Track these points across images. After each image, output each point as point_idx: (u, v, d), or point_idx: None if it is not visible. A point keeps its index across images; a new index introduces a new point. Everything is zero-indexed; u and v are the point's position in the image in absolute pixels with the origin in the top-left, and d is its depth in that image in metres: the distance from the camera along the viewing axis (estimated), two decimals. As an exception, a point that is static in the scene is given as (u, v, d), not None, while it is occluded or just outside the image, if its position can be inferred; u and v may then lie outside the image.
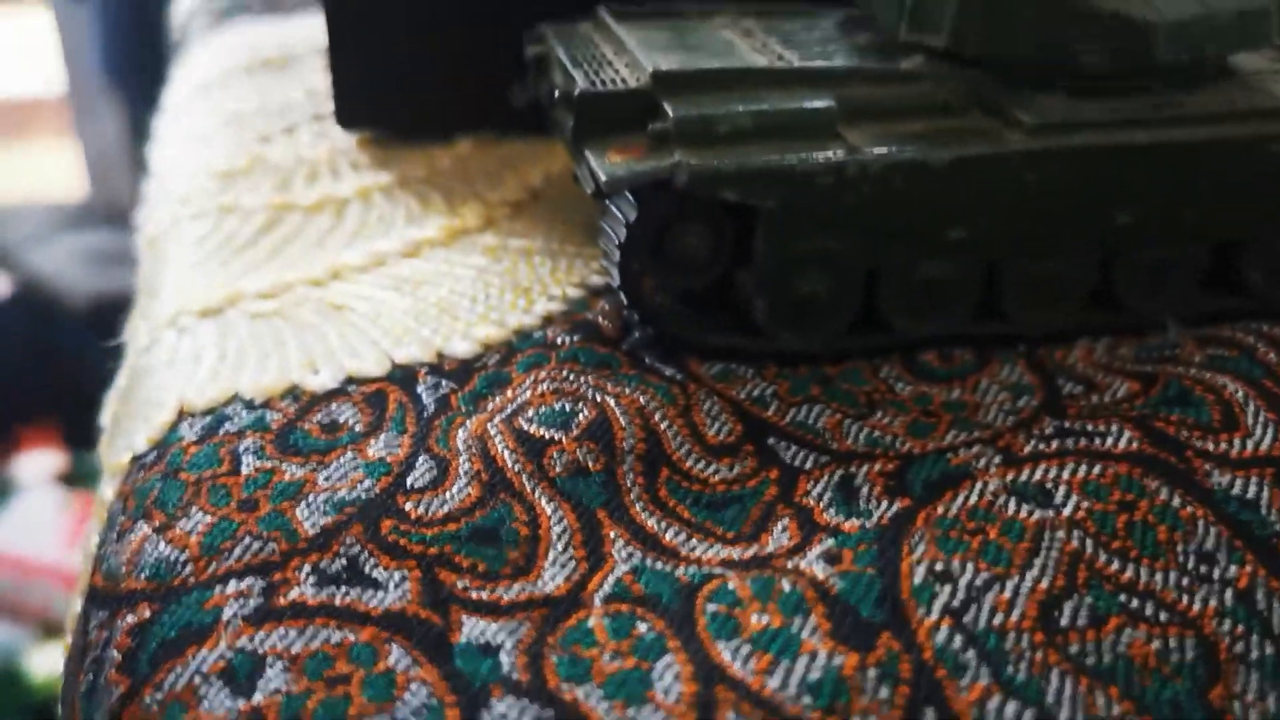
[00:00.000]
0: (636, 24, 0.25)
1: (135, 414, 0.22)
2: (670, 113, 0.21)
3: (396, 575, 0.17)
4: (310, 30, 0.39)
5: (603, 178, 0.21)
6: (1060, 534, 0.17)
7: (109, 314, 1.36)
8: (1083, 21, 0.22)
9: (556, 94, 0.23)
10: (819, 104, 0.21)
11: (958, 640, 0.16)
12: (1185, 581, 0.17)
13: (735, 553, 0.18)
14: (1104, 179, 0.22)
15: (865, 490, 0.19)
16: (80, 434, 1.76)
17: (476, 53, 0.30)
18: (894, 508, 0.18)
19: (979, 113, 0.22)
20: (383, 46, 0.30)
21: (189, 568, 0.17)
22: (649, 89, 0.22)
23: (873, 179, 0.21)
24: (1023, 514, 0.18)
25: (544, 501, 0.19)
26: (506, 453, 0.20)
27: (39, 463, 1.62)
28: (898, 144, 0.21)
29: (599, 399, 0.21)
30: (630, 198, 0.21)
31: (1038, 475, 0.19)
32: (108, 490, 0.21)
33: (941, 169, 0.21)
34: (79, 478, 1.65)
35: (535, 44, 0.26)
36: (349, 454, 0.20)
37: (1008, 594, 0.16)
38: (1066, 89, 0.22)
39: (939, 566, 0.17)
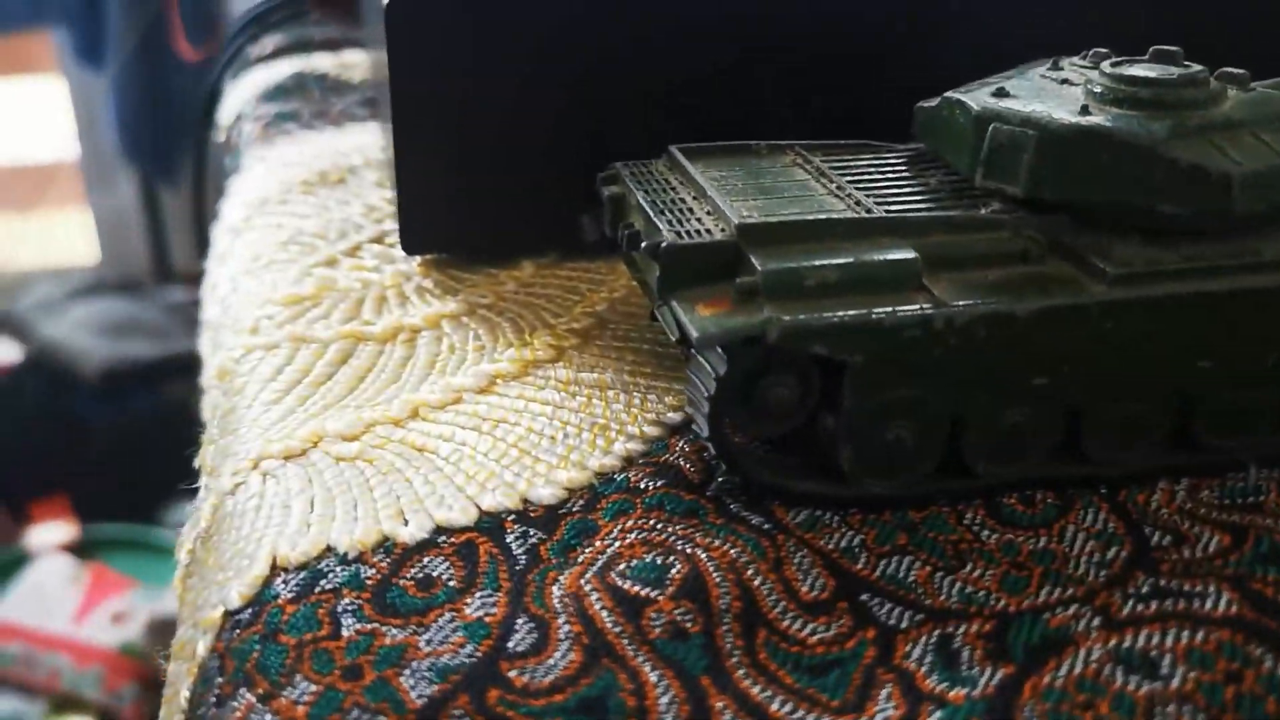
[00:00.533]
0: (709, 163, 0.26)
1: (225, 564, 0.22)
2: (758, 267, 0.21)
3: (507, 751, 0.17)
4: (363, 143, 0.40)
5: (695, 334, 0.21)
6: (1171, 708, 0.17)
7: (120, 382, 1.37)
8: (1161, 173, 0.22)
9: (640, 241, 0.24)
10: (903, 256, 0.22)
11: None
12: (1299, 756, 0.17)
13: (843, 723, 0.18)
14: (1184, 326, 0.22)
15: (966, 654, 0.19)
16: (91, 505, 1.76)
17: (541, 177, 0.31)
18: (998, 675, 0.18)
19: (1058, 259, 0.23)
20: (448, 174, 0.30)
21: (299, 743, 0.17)
22: (734, 241, 0.22)
23: (958, 331, 0.21)
24: (1131, 686, 0.18)
25: (648, 669, 0.19)
26: (604, 613, 0.20)
27: (50, 534, 1.61)
28: (981, 295, 0.22)
29: (689, 551, 0.21)
30: (720, 351, 0.21)
31: (1140, 642, 0.19)
32: (199, 643, 0.21)
33: (1026, 320, 0.21)
34: (90, 548, 1.64)
35: (610, 184, 0.26)
36: (447, 614, 0.20)
37: (1124, 773, 0.16)
38: (1143, 234, 0.23)
39: (1051, 741, 0.17)
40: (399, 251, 0.32)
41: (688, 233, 0.23)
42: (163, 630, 1.48)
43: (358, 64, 0.48)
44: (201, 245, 0.56)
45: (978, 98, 0.24)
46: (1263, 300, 0.22)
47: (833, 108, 0.31)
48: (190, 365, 1.45)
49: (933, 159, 0.26)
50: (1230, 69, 0.24)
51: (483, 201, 0.31)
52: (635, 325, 0.29)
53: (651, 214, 0.24)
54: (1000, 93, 0.24)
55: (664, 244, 0.22)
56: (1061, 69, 0.25)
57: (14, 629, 1.50)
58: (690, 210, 0.24)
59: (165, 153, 2.04)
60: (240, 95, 0.47)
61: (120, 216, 2.38)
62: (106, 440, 1.83)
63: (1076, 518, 0.22)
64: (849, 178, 0.25)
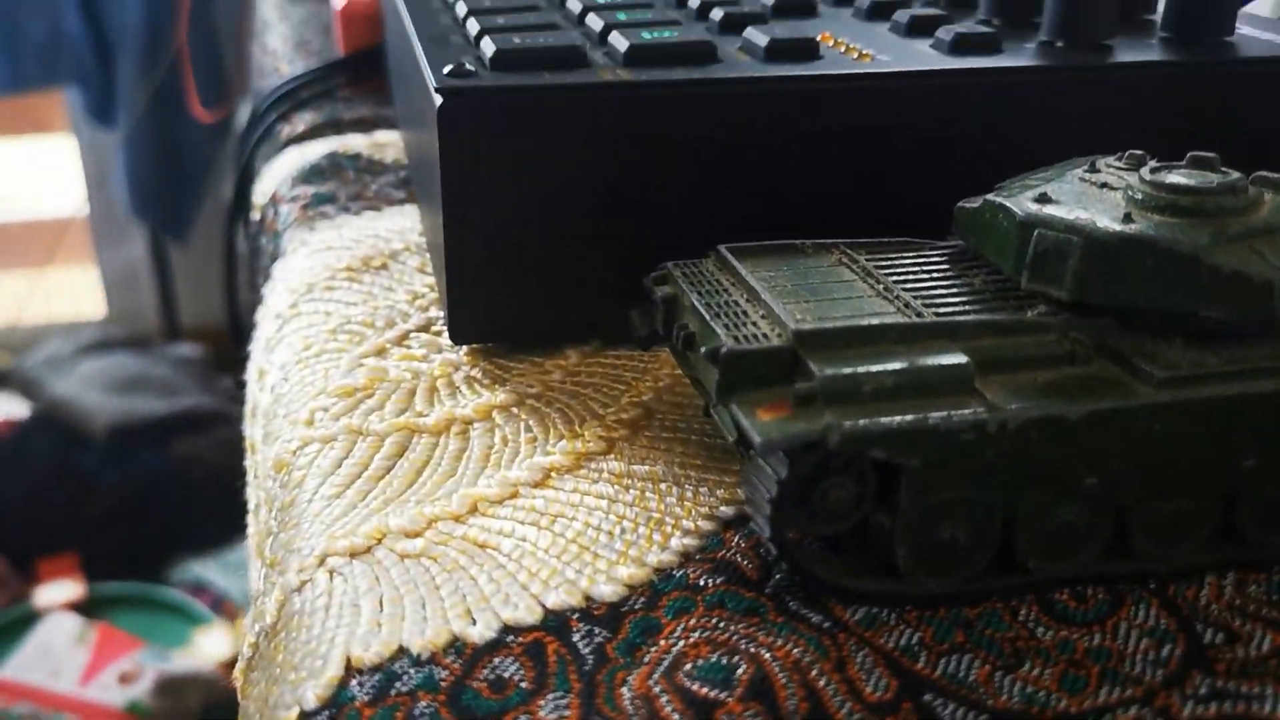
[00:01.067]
0: (757, 263, 0.27)
1: (297, 663, 0.22)
2: (817, 373, 0.22)
3: None
4: (402, 226, 0.40)
5: (759, 439, 0.21)
6: (1238, 814, 0.18)
7: (128, 439, 1.38)
8: (1204, 279, 0.23)
9: (696, 343, 0.24)
10: (955, 360, 0.22)
11: None
12: None
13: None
14: (1229, 427, 0.23)
15: (1032, 756, 0.19)
16: (98, 562, 1.75)
17: (586, 267, 0.31)
18: (1066, 779, 0.19)
19: (1104, 361, 0.23)
20: (495, 266, 0.31)
21: None
22: (791, 346, 0.23)
23: (1011, 434, 0.22)
24: (1198, 791, 0.18)
25: (723, 773, 0.19)
26: (675, 715, 0.20)
27: (57, 592, 1.61)
28: (1033, 399, 0.22)
29: (754, 651, 0.22)
30: (781, 454, 0.22)
31: (1204, 745, 0.19)
32: (272, 744, 0.22)
33: (1076, 423, 0.22)
34: (97, 606, 1.64)
35: (662, 284, 0.27)
36: (522, 717, 0.20)
37: None
38: (1186, 337, 0.23)
39: None
40: (446, 340, 0.33)
41: (745, 337, 0.23)
42: (170, 690, 1.47)
43: (390, 144, 0.49)
44: (235, 327, 0.57)
45: (1021, 203, 0.25)
46: (1304, 400, 0.23)
47: (872, 205, 0.32)
48: (197, 422, 1.45)
49: (974, 257, 0.27)
50: (1266, 174, 0.25)
51: (530, 292, 0.32)
52: (683, 415, 0.29)
53: (707, 316, 0.24)
54: (1043, 198, 0.25)
55: (724, 349, 0.23)
56: (1099, 171, 0.26)
57: (21, 689, 1.49)
58: (745, 313, 0.24)
59: (175, 210, 2.06)
60: (275, 175, 0.48)
61: (129, 272, 2.40)
62: (114, 497, 1.83)
63: (1129, 614, 0.23)
64: (895, 277, 0.26)
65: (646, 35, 0.32)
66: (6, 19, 1.84)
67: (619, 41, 0.32)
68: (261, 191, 0.49)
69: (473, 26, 0.34)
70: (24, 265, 2.45)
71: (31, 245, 2.43)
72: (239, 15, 1.25)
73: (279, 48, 0.69)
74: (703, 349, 0.24)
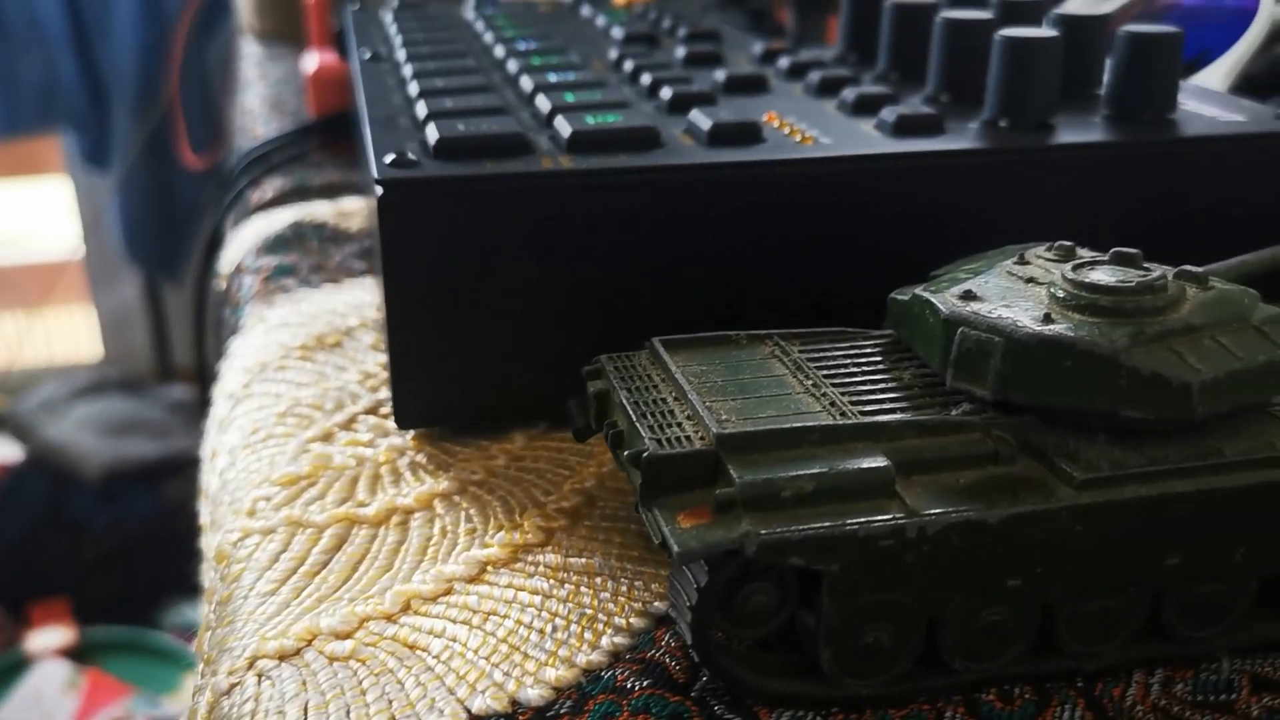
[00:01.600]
0: (690, 356, 0.27)
1: (220, 774, 0.22)
2: (735, 479, 0.22)
3: None
4: (360, 301, 0.41)
5: (676, 549, 0.21)
6: None
7: (120, 483, 1.38)
8: (1123, 381, 0.23)
9: (623, 444, 0.25)
10: (876, 464, 0.23)
11: None
12: None
13: None
14: (1151, 527, 0.23)
15: None
16: (89, 607, 1.75)
17: (531, 351, 0.32)
18: None
19: (1028, 459, 0.24)
20: (441, 351, 0.31)
21: None
22: (714, 450, 0.23)
23: (931, 539, 0.22)
24: None
25: None
26: (590, 831, 0.20)
27: (49, 638, 1.60)
28: (953, 503, 0.22)
29: (674, 760, 0.22)
30: (701, 562, 0.22)
31: None
32: None
33: (997, 526, 0.22)
34: (88, 652, 1.63)
35: (595, 378, 0.27)
36: (436, 834, 0.20)
37: None
38: (1110, 434, 0.23)
39: None
40: (393, 423, 0.33)
41: (669, 440, 0.23)
42: (161, 738, 1.46)
43: (355, 211, 0.49)
44: (204, 400, 0.57)
45: (946, 300, 0.25)
46: (1227, 499, 0.23)
47: (816, 290, 0.32)
48: (189, 465, 1.43)
49: (905, 349, 0.27)
50: (1189, 268, 0.25)
51: (475, 376, 0.32)
52: (624, 503, 0.30)
53: (634, 416, 0.25)
54: (968, 295, 0.25)
55: (646, 454, 0.23)
56: (1028, 264, 0.26)
57: (11, 737, 1.48)
58: (671, 413, 0.25)
59: (168, 252, 2.07)
60: (240, 245, 0.49)
61: (124, 313, 2.41)
62: (106, 541, 1.83)
63: (1054, 714, 0.23)
64: (825, 372, 0.26)
65: (591, 120, 0.32)
66: (3, 64, 1.86)
67: (563, 127, 0.32)
68: (227, 260, 0.50)
69: (420, 109, 0.34)
70: (20, 306, 2.46)
71: (28, 287, 2.44)
72: (227, 64, 1.26)
73: (255, 107, 0.70)
74: (626, 452, 0.24)
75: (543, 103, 0.35)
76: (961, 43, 0.37)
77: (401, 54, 0.42)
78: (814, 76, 0.38)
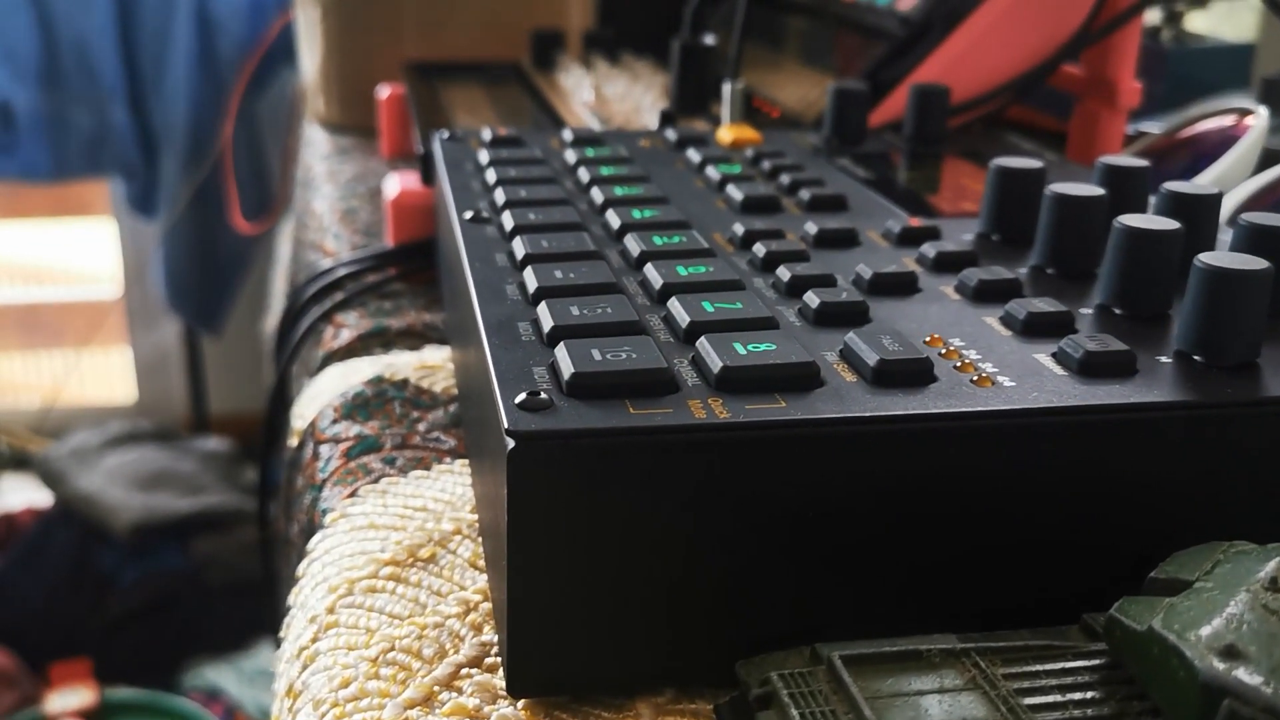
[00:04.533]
0: (876, 683, 0.23)
1: None
2: None
3: None
4: (453, 495, 0.37)
5: None
6: None
7: (149, 538, 1.35)
8: None
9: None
10: None
11: None
12: None
13: None
14: None
15: None
16: (112, 665, 1.72)
17: (666, 615, 0.28)
18: None
19: None
20: (563, 617, 0.27)
21: None
22: None
23: None
24: None
25: None
26: None
27: (68, 699, 1.57)
28: None
29: None
30: None
31: None
32: None
33: None
34: (109, 713, 1.60)
35: (759, 684, 0.23)
36: None
37: None
38: None
39: None
40: (500, 681, 0.29)
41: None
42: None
43: (439, 366, 0.46)
44: (270, 604, 0.53)
45: (1202, 655, 0.21)
46: None
47: (993, 571, 0.28)
48: (219, 521, 1.42)
49: (1129, 682, 0.23)
50: None
51: (599, 643, 0.28)
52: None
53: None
54: (1230, 653, 0.21)
55: None
56: (1283, 592, 0.22)
57: (28, 802, 1.45)
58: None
59: (209, 306, 2.06)
60: (315, 398, 0.45)
61: (161, 358, 2.39)
62: (132, 598, 1.80)
63: None
64: (1040, 707, 0.22)
65: (741, 350, 0.29)
66: (55, 111, 1.85)
67: (711, 358, 0.29)
68: (300, 414, 0.46)
69: (545, 318, 0.31)
70: (60, 345, 2.45)
71: (68, 326, 2.43)
72: (285, 131, 1.24)
73: (323, 213, 0.67)
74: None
75: (679, 312, 0.31)
76: (1146, 256, 0.33)
77: (508, 221, 0.39)
78: (970, 277, 0.35)
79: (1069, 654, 0.24)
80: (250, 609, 1.87)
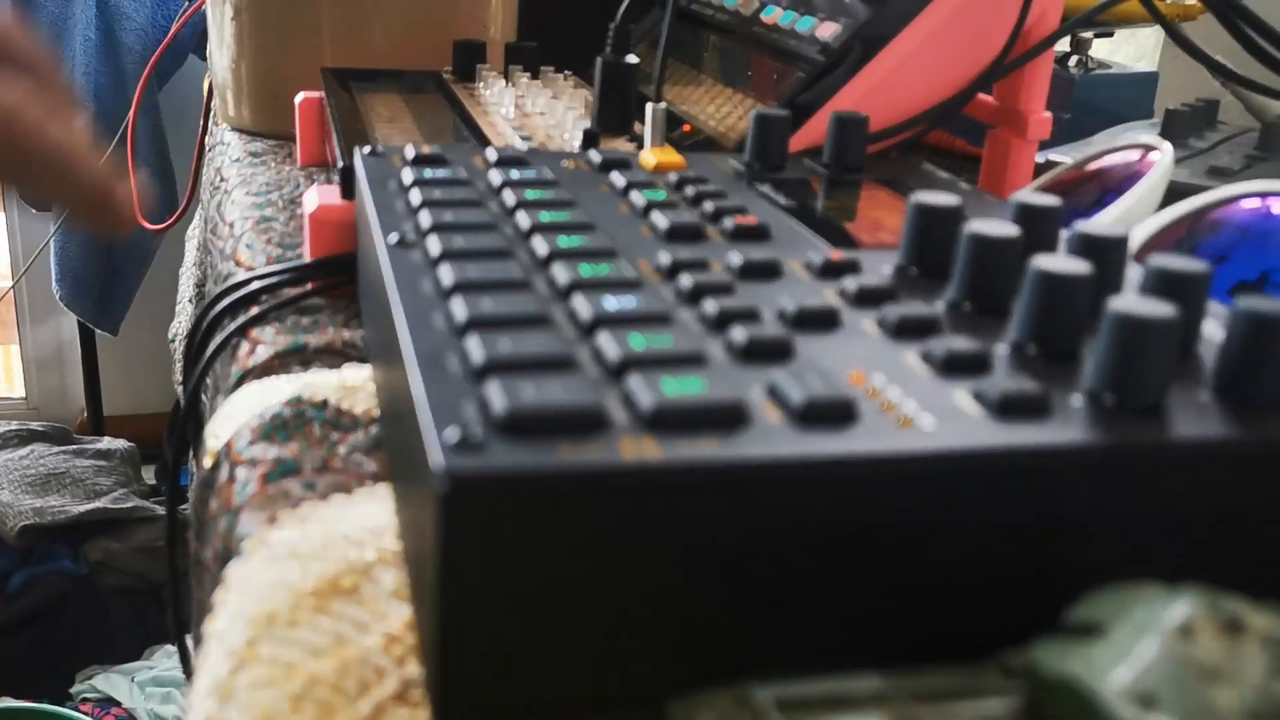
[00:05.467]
0: (802, 717, 0.23)
1: None
2: None
3: None
4: (375, 524, 0.37)
5: None
6: None
7: (40, 541, 1.31)
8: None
9: None
10: None
11: None
12: None
13: None
14: None
15: None
16: (1, 674, 1.65)
17: (596, 657, 0.28)
18: None
19: None
20: (498, 661, 0.27)
21: None
22: None
23: None
24: None
25: None
26: None
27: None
28: None
29: None
30: None
31: None
32: None
33: None
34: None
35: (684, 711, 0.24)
36: None
37: None
38: None
39: None
40: (424, 716, 0.29)
41: None
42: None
43: (359, 387, 0.45)
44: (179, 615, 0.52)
45: (1116, 699, 0.22)
46: None
47: (899, 603, 0.29)
48: (114, 523, 1.39)
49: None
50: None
51: (530, 678, 0.28)
52: None
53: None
54: (1145, 700, 0.22)
55: None
56: (1194, 636, 0.23)
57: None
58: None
59: (105, 304, 2.00)
60: (232, 417, 0.44)
61: (55, 354, 2.32)
62: (22, 604, 1.74)
63: None
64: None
65: (670, 391, 0.29)
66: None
67: (642, 395, 0.29)
68: (215, 434, 0.45)
69: (475, 350, 0.31)
70: (-55, 342, 2.37)
71: (-46, 323, 2.35)
72: (193, 127, 1.21)
73: (237, 222, 0.66)
74: None
75: (609, 346, 0.31)
76: (1058, 298, 0.34)
77: (434, 246, 0.38)
78: (891, 314, 0.35)
79: (990, 694, 0.25)
80: (145, 615, 1.82)
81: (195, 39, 1.82)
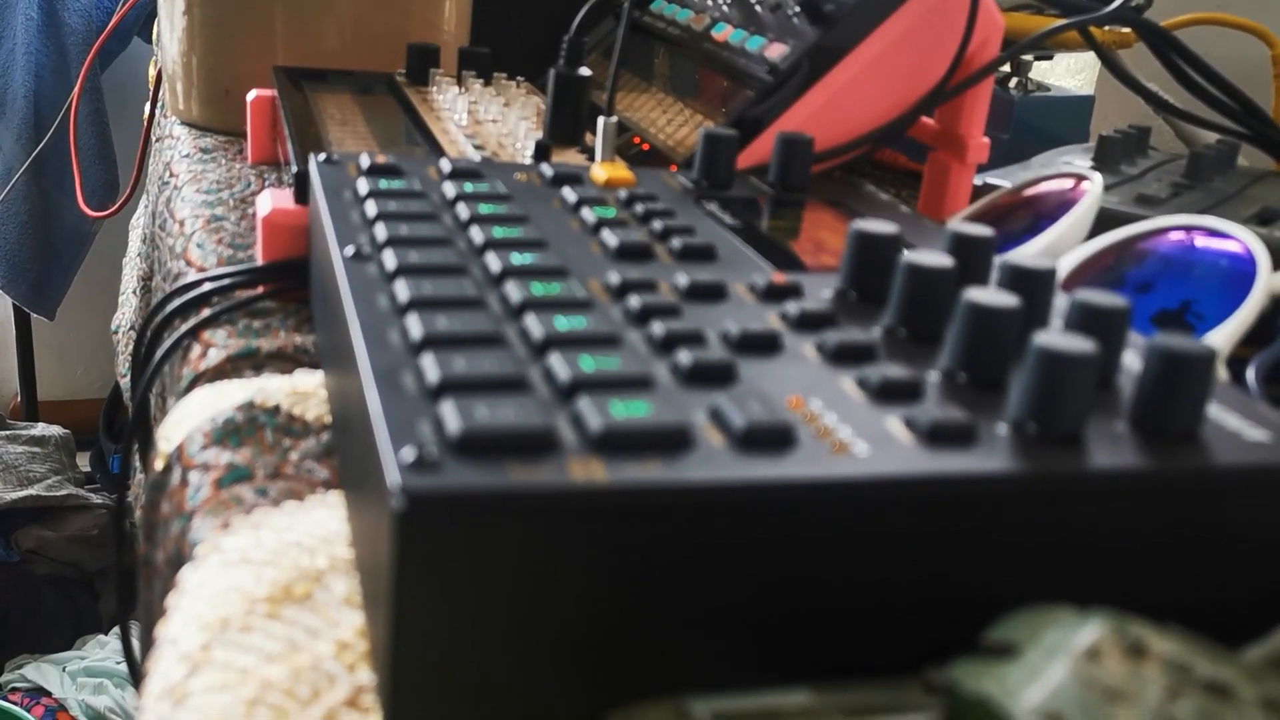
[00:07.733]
0: (741, 736, 0.25)
1: None
2: None
3: None
4: (328, 530, 0.38)
5: None
6: None
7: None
8: None
9: None
10: None
11: None
12: None
13: None
14: None
15: None
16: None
17: (549, 680, 0.29)
18: None
19: None
20: (448, 682, 0.28)
21: None
22: None
23: None
24: None
25: None
26: None
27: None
28: None
29: None
30: None
31: None
32: None
33: None
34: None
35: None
36: None
37: None
38: None
39: None
40: (376, 722, 0.30)
41: None
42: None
43: (311, 393, 0.46)
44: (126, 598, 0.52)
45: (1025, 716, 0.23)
46: None
47: (830, 622, 0.30)
48: (47, 511, 1.37)
49: (966, 738, 0.25)
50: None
51: (480, 691, 0.29)
52: None
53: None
54: (1053, 717, 0.23)
55: None
56: (1101, 659, 0.25)
57: None
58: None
59: (43, 287, 1.97)
60: (183, 421, 0.45)
61: (-12, 338, 2.27)
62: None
63: None
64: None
65: (618, 414, 0.30)
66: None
67: (591, 416, 0.30)
68: (166, 436, 0.46)
69: (430, 369, 0.32)
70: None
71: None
72: (138, 114, 1.20)
73: (187, 219, 0.66)
74: None
75: (559, 368, 0.33)
76: (987, 330, 0.36)
77: (390, 260, 0.39)
78: (829, 339, 0.37)
79: (913, 710, 0.26)
80: (78, 605, 1.80)
81: (140, 21, 1.80)
